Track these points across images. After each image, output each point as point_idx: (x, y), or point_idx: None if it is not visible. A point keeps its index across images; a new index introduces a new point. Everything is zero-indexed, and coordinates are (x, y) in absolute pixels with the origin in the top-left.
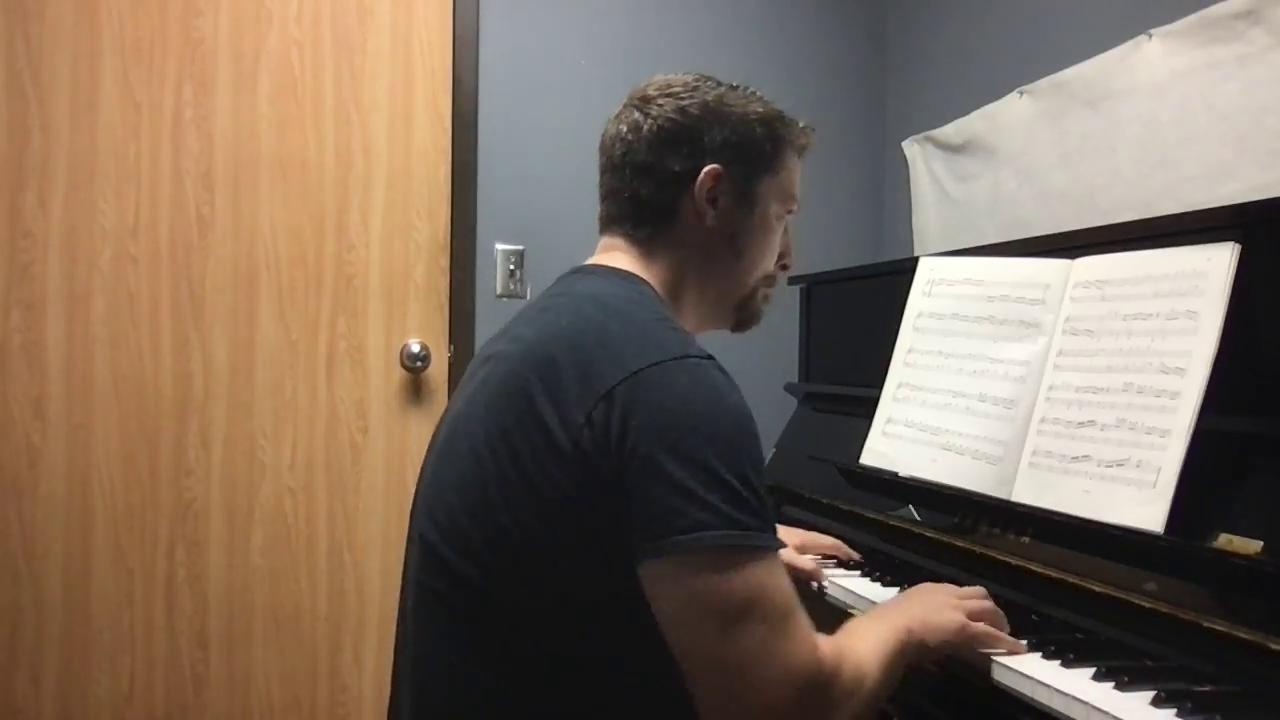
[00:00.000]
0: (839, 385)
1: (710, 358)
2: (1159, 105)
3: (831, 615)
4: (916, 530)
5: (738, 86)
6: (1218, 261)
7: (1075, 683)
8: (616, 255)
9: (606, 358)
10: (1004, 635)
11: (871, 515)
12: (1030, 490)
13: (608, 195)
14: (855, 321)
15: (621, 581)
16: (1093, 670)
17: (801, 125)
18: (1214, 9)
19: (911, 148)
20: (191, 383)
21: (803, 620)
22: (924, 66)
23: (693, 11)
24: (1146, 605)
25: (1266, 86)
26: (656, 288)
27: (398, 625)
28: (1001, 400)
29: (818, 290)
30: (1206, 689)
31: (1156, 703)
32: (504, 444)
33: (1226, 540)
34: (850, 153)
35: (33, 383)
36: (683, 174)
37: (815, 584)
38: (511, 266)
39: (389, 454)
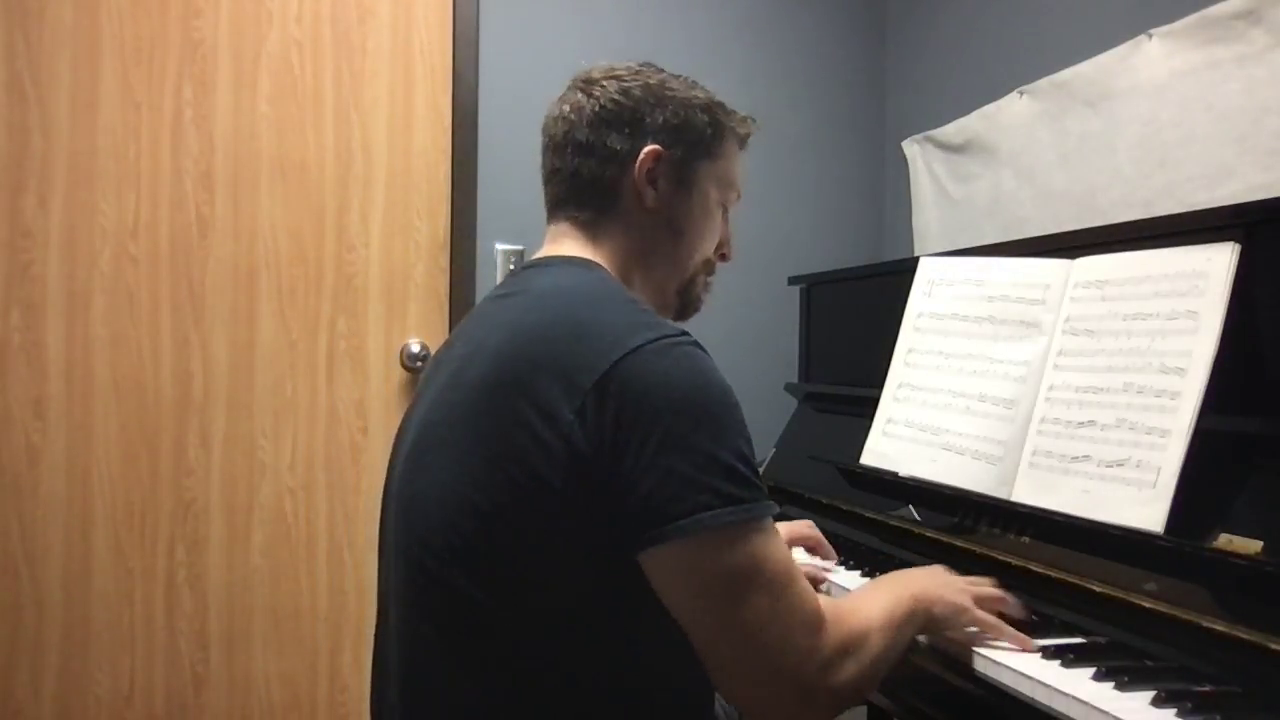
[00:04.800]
0: (839, 385)
1: (684, 333)
2: (1159, 105)
3: None
4: (916, 530)
5: (681, 76)
6: (1218, 261)
7: (1075, 683)
8: (565, 243)
9: (584, 351)
10: (1007, 628)
11: (871, 515)
12: (1030, 490)
13: (550, 176)
14: (855, 321)
15: (615, 574)
16: (1093, 670)
17: (743, 116)
18: (1214, 9)
19: (911, 148)
20: (191, 383)
21: (803, 584)
22: (924, 66)
23: (692, 11)
24: (1146, 605)
25: (1266, 86)
26: (610, 271)
27: (375, 647)
28: (1001, 400)
29: (818, 290)
30: (1206, 689)
31: (1156, 703)
32: (488, 451)
33: (1226, 540)
34: (850, 153)
35: (33, 383)
36: (623, 153)
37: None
38: (511, 266)
39: (389, 454)
